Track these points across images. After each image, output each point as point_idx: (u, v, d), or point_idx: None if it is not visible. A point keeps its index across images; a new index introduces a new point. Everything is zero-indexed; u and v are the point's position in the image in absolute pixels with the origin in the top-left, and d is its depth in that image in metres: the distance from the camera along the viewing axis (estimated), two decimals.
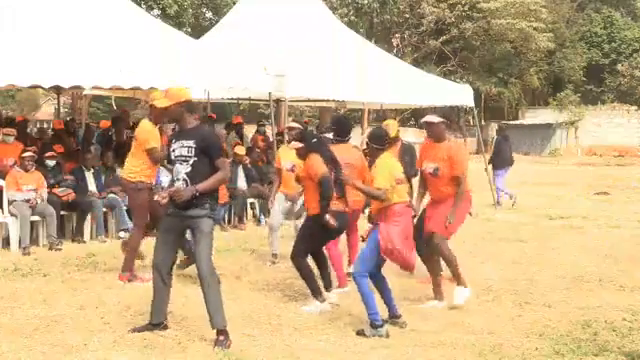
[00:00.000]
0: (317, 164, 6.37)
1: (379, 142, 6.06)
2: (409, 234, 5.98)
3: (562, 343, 5.55)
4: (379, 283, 6.01)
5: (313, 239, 6.53)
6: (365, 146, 6.80)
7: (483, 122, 37.43)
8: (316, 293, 6.49)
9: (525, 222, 12.36)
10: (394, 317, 6.01)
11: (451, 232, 6.65)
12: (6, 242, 9.24)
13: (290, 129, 8.56)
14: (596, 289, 7.42)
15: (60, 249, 9.21)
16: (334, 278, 7.10)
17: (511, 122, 40.22)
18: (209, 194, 5.39)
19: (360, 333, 5.74)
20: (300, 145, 6.55)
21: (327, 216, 6.30)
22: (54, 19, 9.59)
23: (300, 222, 7.65)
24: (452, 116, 7.24)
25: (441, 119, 6.67)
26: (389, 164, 6.00)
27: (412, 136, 29.12)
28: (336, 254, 7.18)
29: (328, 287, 6.71)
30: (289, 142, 8.80)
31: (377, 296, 5.95)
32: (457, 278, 6.62)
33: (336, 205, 6.37)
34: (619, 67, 42.35)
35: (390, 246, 5.78)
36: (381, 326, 5.70)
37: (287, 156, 8.45)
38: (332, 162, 6.40)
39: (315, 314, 6.31)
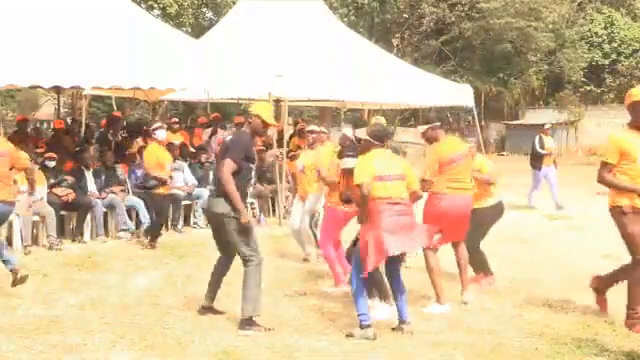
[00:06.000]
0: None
1: (379, 139, 5.94)
2: (397, 230, 5.64)
3: (562, 343, 5.55)
4: (393, 283, 5.91)
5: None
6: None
7: (483, 122, 37.34)
8: (383, 296, 6.23)
9: (525, 222, 12.35)
10: (401, 322, 5.83)
11: None
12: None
13: (310, 132, 8.46)
14: None
15: (60, 249, 9.21)
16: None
17: (512, 122, 40.21)
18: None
19: (349, 335, 5.67)
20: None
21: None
22: (54, 19, 9.61)
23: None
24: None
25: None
26: (368, 160, 5.81)
27: (412, 136, 29.05)
28: (329, 253, 7.24)
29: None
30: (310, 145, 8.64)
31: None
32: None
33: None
34: (619, 67, 42.30)
35: (364, 248, 5.62)
36: (368, 327, 5.62)
37: (301, 158, 8.68)
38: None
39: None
